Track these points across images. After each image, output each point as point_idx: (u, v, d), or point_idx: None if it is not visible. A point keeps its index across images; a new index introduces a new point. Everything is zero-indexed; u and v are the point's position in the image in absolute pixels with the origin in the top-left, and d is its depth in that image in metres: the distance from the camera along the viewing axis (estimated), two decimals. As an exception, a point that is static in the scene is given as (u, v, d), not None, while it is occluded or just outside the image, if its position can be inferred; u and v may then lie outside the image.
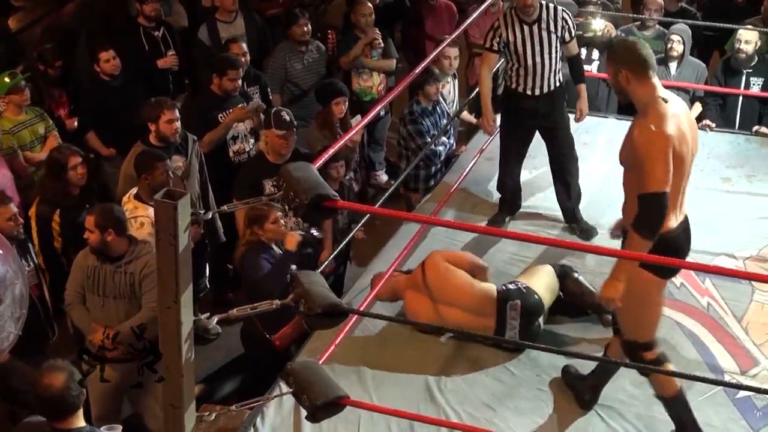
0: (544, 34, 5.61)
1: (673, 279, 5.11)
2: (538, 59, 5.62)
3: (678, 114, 3.90)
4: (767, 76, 6.99)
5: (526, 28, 5.61)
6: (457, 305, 4.83)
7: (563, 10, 5.65)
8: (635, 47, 3.94)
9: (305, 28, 7.45)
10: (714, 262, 5.48)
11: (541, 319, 4.90)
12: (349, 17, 7.89)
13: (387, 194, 5.07)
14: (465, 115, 7.29)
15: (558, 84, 5.72)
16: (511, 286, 4.89)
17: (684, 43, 7.07)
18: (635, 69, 3.88)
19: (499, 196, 6.08)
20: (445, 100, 6.93)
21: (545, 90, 5.69)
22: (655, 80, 3.92)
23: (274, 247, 5.18)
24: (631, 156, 3.88)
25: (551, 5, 5.62)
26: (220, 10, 7.58)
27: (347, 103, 6.62)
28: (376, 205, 5.04)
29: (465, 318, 4.79)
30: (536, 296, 4.85)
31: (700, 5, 8.36)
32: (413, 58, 8.30)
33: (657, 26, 7.44)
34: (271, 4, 8.63)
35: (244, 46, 6.98)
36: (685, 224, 4.05)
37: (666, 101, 3.88)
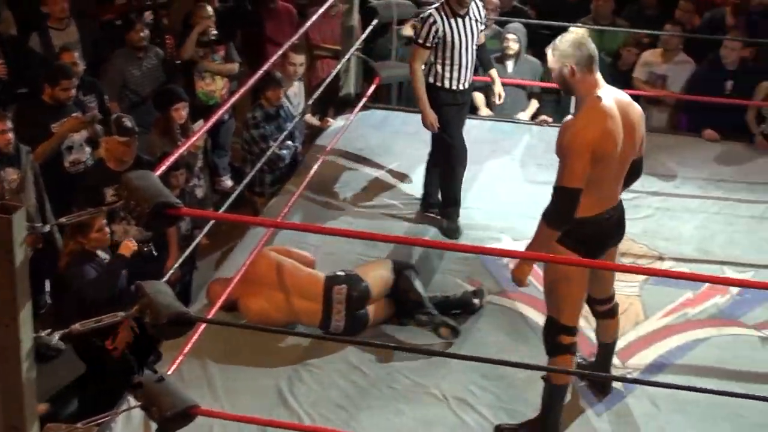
0: (474, 24, 5.69)
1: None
2: (469, 52, 5.70)
3: (611, 114, 4.00)
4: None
5: (459, 20, 5.64)
6: (286, 290, 4.92)
7: None
8: (582, 42, 4.04)
9: (142, 34, 7.36)
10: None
11: (369, 308, 5.00)
12: (189, 22, 7.82)
13: (231, 199, 5.05)
14: (308, 117, 7.32)
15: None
16: (339, 273, 5.04)
17: (519, 42, 7.28)
18: (580, 63, 4.00)
19: (348, 194, 6.16)
20: (291, 103, 6.94)
21: (468, 83, 5.82)
22: (597, 77, 4.05)
23: (100, 253, 5.17)
24: (556, 150, 4.05)
25: None
26: (51, 17, 7.39)
27: (187, 108, 6.55)
28: (221, 211, 5.01)
29: (295, 304, 4.90)
30: (363, 283, 4.98)
31: (533, 5, 8.60)
32: (255, 62, 8.28)
33: (494, 25, 7.62)
34: (107, 10, 8.45)
35: (77, 54, 6.82)
36: (612, 214, 4.19)
37: (600, 99, 4.00)
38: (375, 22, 6.89)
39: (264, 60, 5.93)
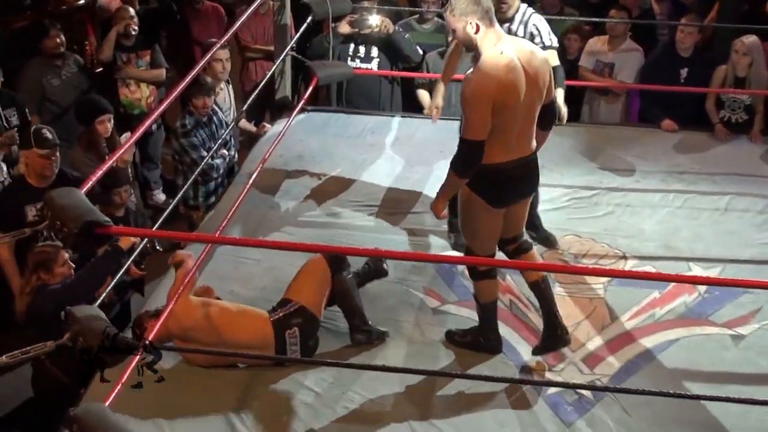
0: None
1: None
2: None
3: (511, 65, 4.33)
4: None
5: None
6: (227, 338, 4.75)
7: None
8: None
9: (58, 40, 7.24)
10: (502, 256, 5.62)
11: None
12: (109, 25, 7.72)
13: (165, 214, 4.96)
14: (243, 123, 7.26)
15: None
16: (282, 311, 4.89)
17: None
18: (483, 18, 4.34)
19: (289, 204, 6.14)
20: (221, 109, 6.87)
21: None
22: (497, 28, 4.42)
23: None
24: (461, 103, 4.38)
25: None
26: None
27: (112, 120, 6.44)
28: (154, 228, 4.92)
29: (241, 349, 4.72)
30: (309, 313, 4.90)
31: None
32: (183, 66, 8.20)
33: (435, 19, 7.63)
34: (17, 17, 8.32)
35: None
36: (522, 162, 4.57)
37: (501, 51, 4.34)
38: (309, 19, 6.85)
39: (192, 64, 5.85)
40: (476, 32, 4.35)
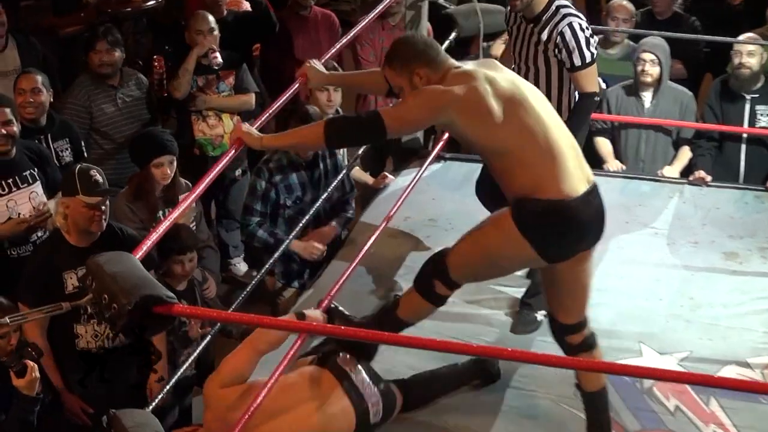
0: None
1: (666, 403, 5.27)
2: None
3: (478, 71, 4.66)
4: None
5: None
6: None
7: None
8: (412, 38, 4.90)
9: (106, 56, 7.33)
10: (721, 373, 5.52)
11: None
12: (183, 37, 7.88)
13: (248, 292, 4.99)
14: (357, 172, 7.27)
15: None
16: (369, 403, 5.07)
17: (661, 64, 7.25)
18: (430, 61, 4.70)
19: None
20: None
21: None
22: (448, 60, 4.76)
23: None
24: None
25: None
26: None
27: (174, 163, 6.50)
28: (232, 308, 4.96)
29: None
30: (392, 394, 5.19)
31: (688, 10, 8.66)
32: (278, 93, 8.31)
33: (627, 41, 7.61)
34: (70, 20, 8.55)
35: (40, 79, 6.69)
36: (591, 195, 4.75)
37: (459, 68, 4.71)
38: (453, 36, 6.88)
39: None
40: (428, 83, 4.69)
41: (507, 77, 4.75)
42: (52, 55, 7.78)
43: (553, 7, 5.68)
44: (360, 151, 6.76)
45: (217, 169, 4.75)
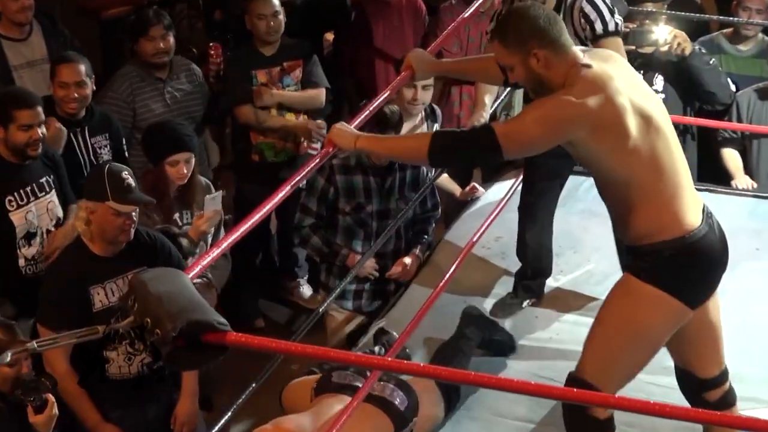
0: None
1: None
2: None
3: (613, 77, 4.52)
4: None
5: None
6: None
7: None
8: (532, 11, 4.59)
9: (161, 43, 7.40)
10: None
11: None
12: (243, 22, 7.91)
13: (312, 320, 4.96)
14: (443, 181, 7.23)
15: None
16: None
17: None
18: (552, 42, 4.52)
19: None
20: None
21: None
22: (572, 47, 4.61)
23: None
24: None
25: None
26: (2, 21, 7.51)
27: (192, 162, 6.51)
28: (294, 338, 4.93)
29: None
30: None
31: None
32: (354, 89, 8.33)
33: (760, 35, 7.55)
34: (114, 0, 8.60)
35: (84, 69, 6.75)
36: (707, 228, 4.69)
37: (590, 66, 4.54)
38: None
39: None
40: (546, 67, 4.55)
41: (635, 82, 4.67)
42: (90, 40, 7.80)
43: None
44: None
45: (302, 174, 4.76)
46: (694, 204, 4.66)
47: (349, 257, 6.54)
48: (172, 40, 7.48)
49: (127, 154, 7.15)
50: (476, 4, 6.56)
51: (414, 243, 6.75)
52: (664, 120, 4.60)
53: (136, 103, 7.39)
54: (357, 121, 4.99)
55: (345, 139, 4.75)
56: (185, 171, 6.49)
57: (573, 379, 4.77)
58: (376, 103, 5.27)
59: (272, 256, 8.19)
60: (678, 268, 4.59)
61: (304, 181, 5.89)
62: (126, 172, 5.78)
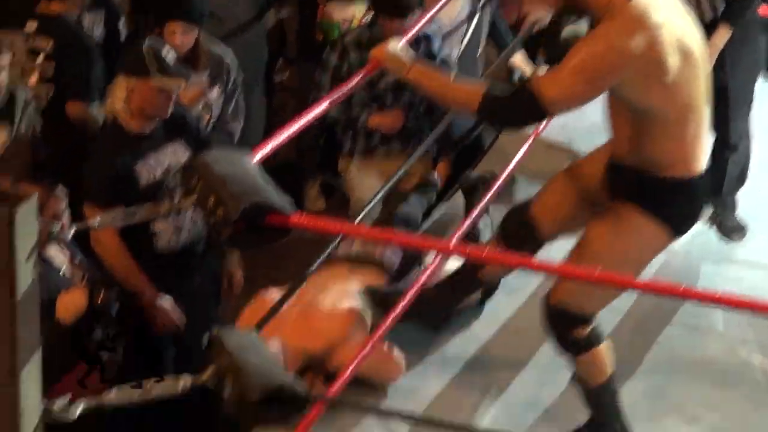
0: None
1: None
2: None
3: (658, 8, 4.47)
4: None
5: None
6: None
7: None
8: None
9: None
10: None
11: None
12: None
13: (371, 203, 4.99)
14: (517, 58, 7.18)
15: None
16: None
17: None
18: None
19: None
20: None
21: None
22: None
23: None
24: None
25: None
26: None
27: (196, 32, 6.37)
28: (358, 220, 4.98)
29: None
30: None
31: None
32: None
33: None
34: None
35: None
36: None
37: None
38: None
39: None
40: None
41: (679, 12, 4.63)
42: None
43: None
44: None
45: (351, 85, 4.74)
46: (706, 146, 4.74)
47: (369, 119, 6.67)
48: None
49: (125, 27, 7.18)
50: None
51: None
52: (701, 55, 4.59)
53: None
54: (409, 35, 5.05)
55: (397, 64, 4.67)
56: (185, 40, 6.37)
57: (554, 311, 4.90)
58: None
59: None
60: (677, 203, 4.73)
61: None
62: (167, 47, 5.86)
